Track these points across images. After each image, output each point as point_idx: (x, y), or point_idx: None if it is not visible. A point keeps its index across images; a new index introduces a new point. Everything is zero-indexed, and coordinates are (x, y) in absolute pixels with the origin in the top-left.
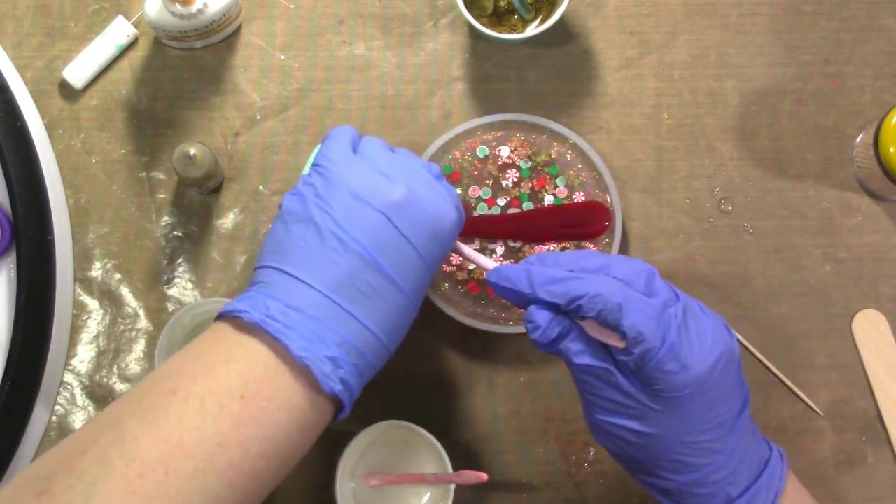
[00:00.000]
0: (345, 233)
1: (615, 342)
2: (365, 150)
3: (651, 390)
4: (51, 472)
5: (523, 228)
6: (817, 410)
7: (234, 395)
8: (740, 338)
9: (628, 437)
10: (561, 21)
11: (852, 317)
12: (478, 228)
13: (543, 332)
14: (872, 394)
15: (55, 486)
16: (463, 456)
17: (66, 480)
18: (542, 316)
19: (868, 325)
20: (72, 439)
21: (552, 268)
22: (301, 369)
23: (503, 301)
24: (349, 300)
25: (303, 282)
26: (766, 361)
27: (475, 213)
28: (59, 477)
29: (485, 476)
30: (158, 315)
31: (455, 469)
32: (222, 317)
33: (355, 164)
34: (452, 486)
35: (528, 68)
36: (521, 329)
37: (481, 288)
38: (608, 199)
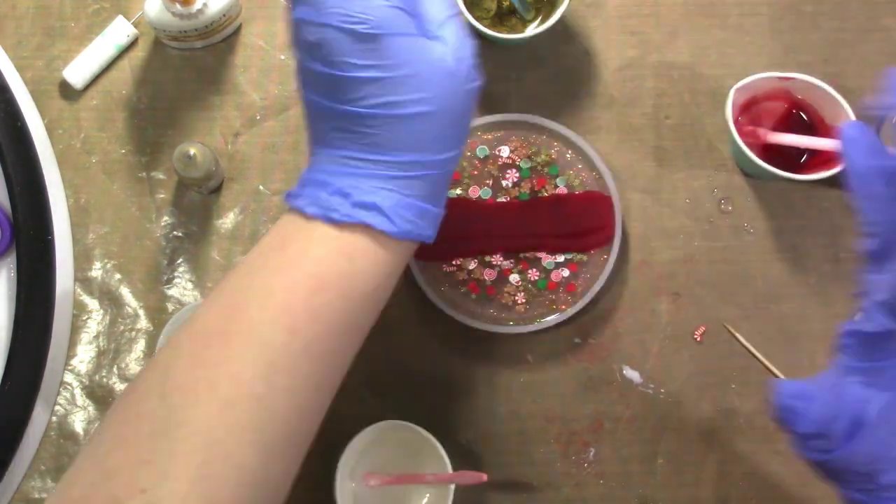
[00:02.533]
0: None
1: None
2: None
3: None
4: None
5: (521, 221)
6: None
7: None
8: (740, 338)
9: None
10: (561, 21)
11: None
12: (472, 220)
13: None
14: None
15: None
16: (463, 456)
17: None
18: None
19: None
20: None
21: None
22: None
23: (503, 301)
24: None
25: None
26: (766, 361)
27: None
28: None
29: (484, 476)
30: (158, 315)
31: (455, 469)
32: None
33: None
34: (452, 486)
35: (528, 68)
36: (521, 329)
37: (481, 288)
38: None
